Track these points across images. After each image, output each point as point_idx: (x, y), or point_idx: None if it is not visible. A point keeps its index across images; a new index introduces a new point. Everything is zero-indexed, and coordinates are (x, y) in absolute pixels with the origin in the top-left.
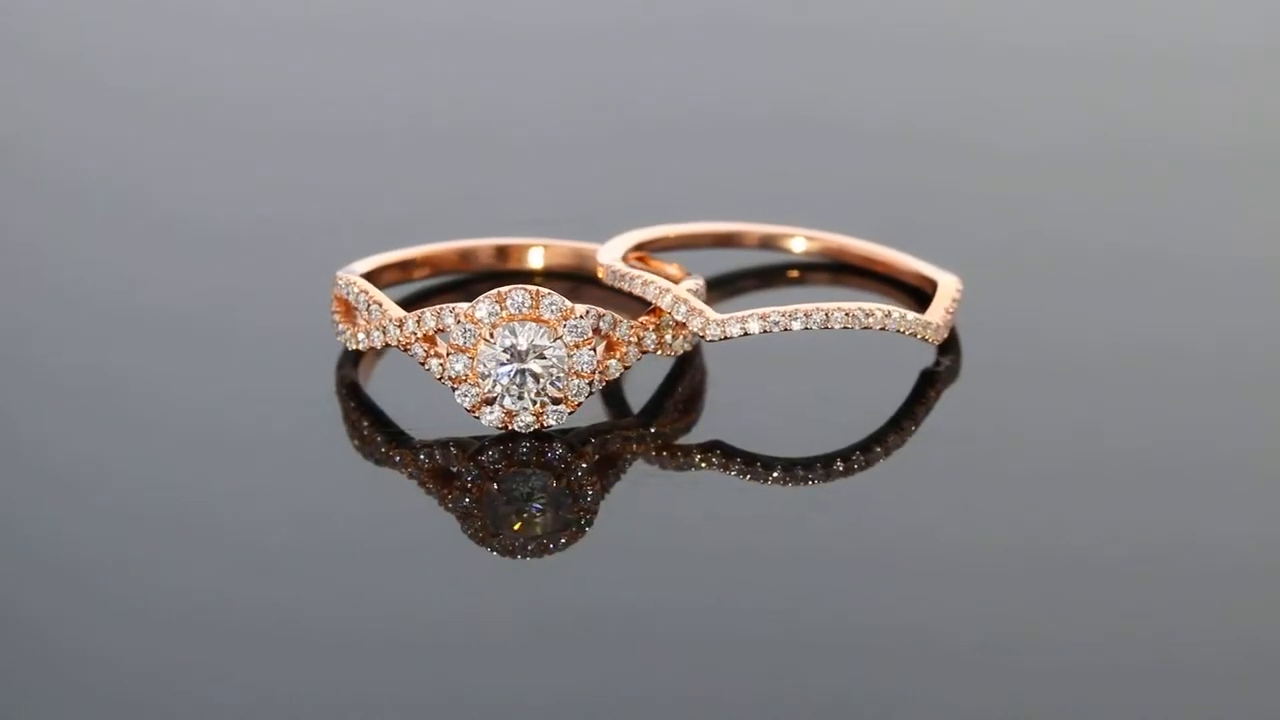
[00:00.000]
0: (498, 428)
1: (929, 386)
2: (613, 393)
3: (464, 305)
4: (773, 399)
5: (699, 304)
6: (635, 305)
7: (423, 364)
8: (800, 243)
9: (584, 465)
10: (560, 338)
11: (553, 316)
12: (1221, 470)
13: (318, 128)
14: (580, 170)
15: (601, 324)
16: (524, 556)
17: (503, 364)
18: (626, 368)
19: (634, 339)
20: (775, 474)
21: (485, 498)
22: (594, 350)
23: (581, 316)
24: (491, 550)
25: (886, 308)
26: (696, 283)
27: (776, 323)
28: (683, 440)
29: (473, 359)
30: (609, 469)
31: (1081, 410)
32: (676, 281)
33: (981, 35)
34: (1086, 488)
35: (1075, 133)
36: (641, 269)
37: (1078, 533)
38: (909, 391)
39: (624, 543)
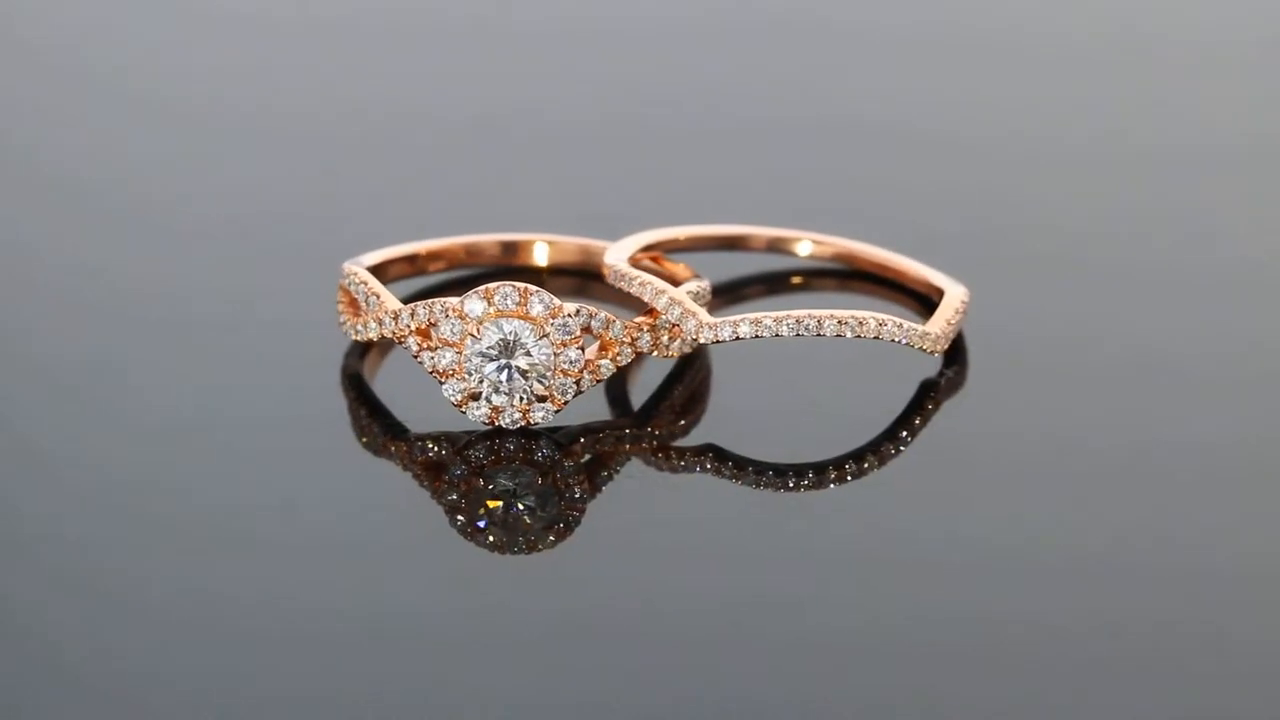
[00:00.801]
0: (484, 423)
1: (928, 397)
2: (614, 393)
3: (454, 300)
4: (773, 404)
5: (693, 306)
6: (638, 306)
7: (415, 357)
8: (807, 246)
9: (569, 463)
10: (546, 335)
11: (540, 314)
12: (1225, 477)
13: (328, 124)
14: (594, 170)
15: (593, 323)
16: (509, 553)
17: (489, 359)
18: (620, 368)
19: (628, 339)
20: (765, 478)
21: (470, 490)
22: (581, 349)
23: (571, 315)
24: (480, 546)
25: (881, 316)
26: (699, 285)
27: (768, 328)
28: (678, 443)
29: (460, 354)
30: (598, 468)
31: (1083, 416)
32: (683, 283)
33: (1006, 37)
34: (1086, 491)
35: (1105, 137)
36: (642, 270)
37: (1076, 535)
38: (907, 402)
39: (608, 541)
